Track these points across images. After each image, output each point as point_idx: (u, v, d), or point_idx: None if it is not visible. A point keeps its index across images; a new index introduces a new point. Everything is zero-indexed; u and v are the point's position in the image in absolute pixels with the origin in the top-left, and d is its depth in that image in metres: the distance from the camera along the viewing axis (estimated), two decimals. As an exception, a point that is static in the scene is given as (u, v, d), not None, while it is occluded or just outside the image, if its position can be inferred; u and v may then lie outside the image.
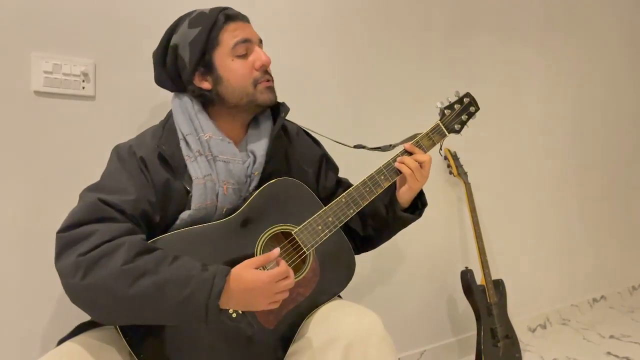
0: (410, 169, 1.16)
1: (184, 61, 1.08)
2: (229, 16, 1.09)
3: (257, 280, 0.92)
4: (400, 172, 1.17)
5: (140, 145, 1.05)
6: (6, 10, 1.23)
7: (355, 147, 1.32)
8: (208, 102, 1.12)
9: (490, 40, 2.31)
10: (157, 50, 1.13)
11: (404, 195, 1.20)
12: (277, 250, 0.98)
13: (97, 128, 1.35)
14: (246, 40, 1.09)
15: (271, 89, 1.14)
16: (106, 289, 0.84)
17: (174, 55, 1.09)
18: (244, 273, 0.92)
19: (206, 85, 1.10)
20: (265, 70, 1.12)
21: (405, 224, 1.25)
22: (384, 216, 1.23)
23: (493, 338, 1.88)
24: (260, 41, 1.15)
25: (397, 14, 1.98)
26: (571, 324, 2.57)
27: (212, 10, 1.09)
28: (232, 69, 1.08)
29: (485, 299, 1.91)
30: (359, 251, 1.31)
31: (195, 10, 1.11)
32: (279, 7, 1.68)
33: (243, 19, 1.12)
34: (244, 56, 1.10)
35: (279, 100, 1.17)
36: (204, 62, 1.08)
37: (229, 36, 1.08)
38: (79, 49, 1.33)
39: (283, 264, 0.97)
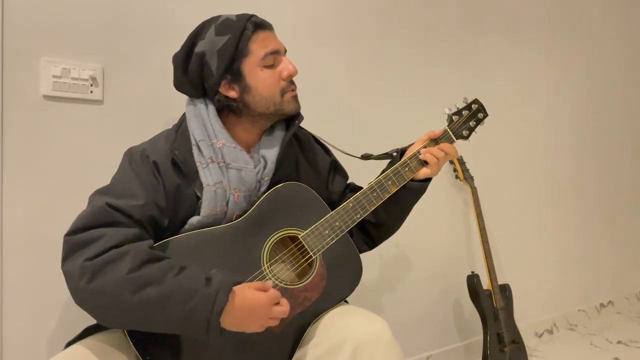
0: (437, 158, 1.18)
1: (210, 69, 1.07)
2: (257, 24, 1.09)
3: (257, 299, 0.93)
4: (426, 163, 1.19)
5: (153, 150, 1.05)
6: (17, 15, 1.24)
7: (362, 157, 1.32)
8: (229, 110, 1.12)
9: (498, 42, 2.30)
10: (179, 55, 1.11)
11: (417, 178, 1.21)
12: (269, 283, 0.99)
13: (105, 132, 1.36)
14: (275, 52, 1.10)
15: (296, 99, 1.15)
16: (111, 295, 0.85)
17: (200, 63, 1.08)
18: (246, 291, 0.93)
19: (233, 94, 1.09)
20: (291, 80, 1.13)
21: (414, 195, 1.23)
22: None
23: (499, 343, 1.87)
24: (285, 51, 1.15)
25: (405, 16, 1.99)
26: (578, 329, 2.55)
27: (239, 17, 1.08)
28: (261, 78, 1.08)
29: (491, 303, 1.91)
30: (375, 243, 1.30)
31: (220, 16, 1.10)
32: (285, 8, 1.69)
33: (269, 27, 1.12)
34: (272, 66, 1.10)
35: None
36: (232, 71, 1.07)
37: (259, 46, 1.08)
38: (87, 53, 1.34)
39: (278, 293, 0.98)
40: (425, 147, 1.21)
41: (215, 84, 1.08)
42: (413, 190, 1.22)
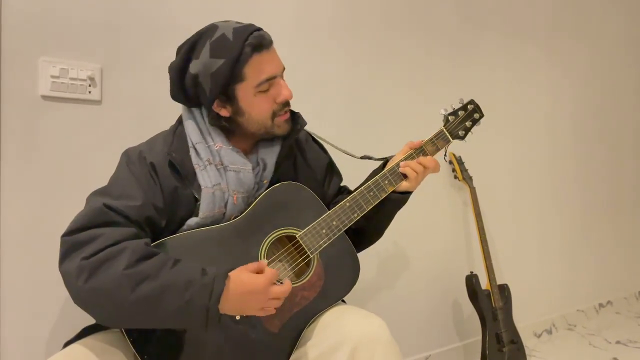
0: (415, 172, 1.17)
1: (204, 90, 1.04)
2: (255, 46, 1.02)
3: (254, 283, 0.92)
4: (406, 176, 1.18)
5: (150, 151, 1.05)
6: (15, 15, 1.25)
7: (362, 157, 1.32)
8: (220, 127, 1.11)
9: (497, 42, 2.31)
10: (176, 69, 1.07)
11: (398, 190, 1.20)
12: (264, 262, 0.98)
13: (103, 132, 1.36)
14: (271, 78, 1.06)
15: (288, 121, 1.13)
16: (108, 293, 0.85)
17: (194, 83, 1.05)
18: (242, 275, 0.93)
19: (225, 112, 1.08)
20: (285, 102, 1.10)
21: (394, 205, 1.21)
22: None
23: (498, 343, 1.87)
24: (284, 69, 1.10)
25: (403, 16, 1.99)
26: (577, 329, 2.55)
27: (236, 36, 1.01)
28: (254, 104, 1.06)
29: (490, 303, 1.91)
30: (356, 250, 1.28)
31: (215, 30, 1.03)
32: (282, 8, 1.69)
33: (267, 45, 1.05)
34: (266, 91, 1.07)
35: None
36: (226, 93, 1.05)
37: (255, 71, 1.03)
38: (85, 53, 1.34)
39: (275, 271, 0.97)
40: (407, 157, 1.19)
41: (209, 103, 1.06)
42: (393, 201, 1.20)
